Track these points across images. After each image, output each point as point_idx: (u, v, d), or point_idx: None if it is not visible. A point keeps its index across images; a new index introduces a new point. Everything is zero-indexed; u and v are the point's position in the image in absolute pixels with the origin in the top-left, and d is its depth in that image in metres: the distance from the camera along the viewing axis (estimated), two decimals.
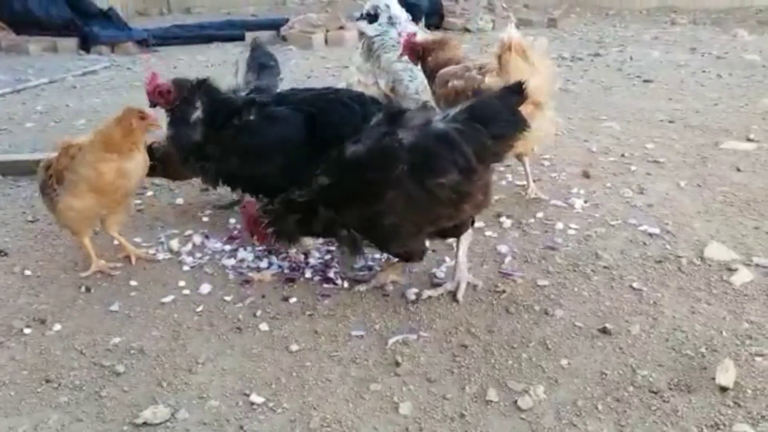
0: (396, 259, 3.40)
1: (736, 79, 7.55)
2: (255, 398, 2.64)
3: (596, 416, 2.48)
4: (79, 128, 6.26)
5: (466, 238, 3.34)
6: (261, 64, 4.51)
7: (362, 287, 3.37)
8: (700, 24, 12.01)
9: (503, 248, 3.70)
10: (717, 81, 7.48)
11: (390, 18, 5.39)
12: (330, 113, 3.64)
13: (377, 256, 3.62)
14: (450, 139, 2.96)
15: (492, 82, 3.90)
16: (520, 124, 3.04)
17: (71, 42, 11.53)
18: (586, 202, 4.27)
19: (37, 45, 11.52)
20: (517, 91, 3.05)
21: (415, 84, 5.03)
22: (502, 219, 4.05)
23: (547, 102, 4.04)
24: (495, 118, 3.01)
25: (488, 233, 3.90)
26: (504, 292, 3.29)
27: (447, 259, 3.61)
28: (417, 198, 2.99)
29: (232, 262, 3.68)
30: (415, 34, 4.69)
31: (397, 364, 2.80)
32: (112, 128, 3.46)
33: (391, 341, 2.95)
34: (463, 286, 3.29)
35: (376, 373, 2.77)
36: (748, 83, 7.34)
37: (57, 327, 3.17)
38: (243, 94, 4.14)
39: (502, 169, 4.84)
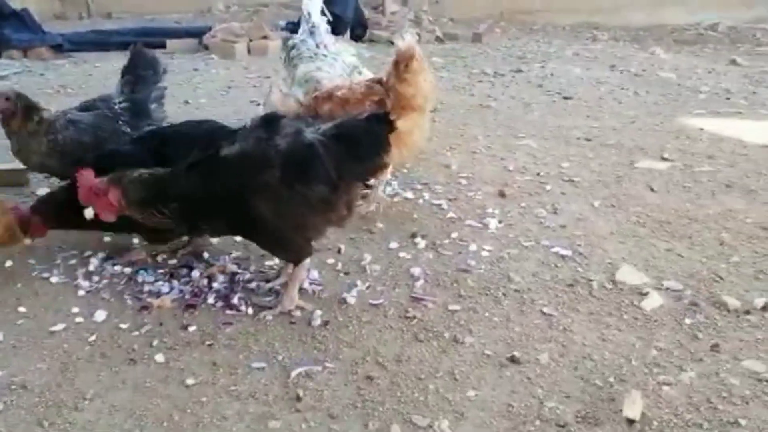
0: (290, 267, 3.40)
1: (652, 96, 7.68)
2: None
3: None
4: None
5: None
6: (138, 75, 4.36)
7: (268, 314, 3.24)
8: (620, 41, 12.24)
9: (416, 271, 3.61)
10: (634, 98, 7.60)
11: (312, 26, 5.21)
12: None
13: (281, 281, 3.47)
14: (315, 151, 3.03)
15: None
16: (381, 152, 3.15)
17: None
18: (500, 222, 4.22)
19: None
20: (385, 120, 3.16)
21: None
22: (417, 240, 3.96)
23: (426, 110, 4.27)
24: (360, 141, 3.12)
25: (402, 254, 3.81)
26: (415, 318, 3.19)
27: (358, 282, 3.50)
28: (287, 203, 3.05)
29: (131, 286, 3.48)
30: None
31: (299, 398, 2.67)
32: None
33: (293, 374, 2.81)
34: (281, 280, 3.48)
35: (276, 409, 2.63)
36: (664, 101, 7.47)
37: None
38: (117, 100, 4.25)
39: (419, 187, 4.77)
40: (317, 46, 5.11)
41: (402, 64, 4.06)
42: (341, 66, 4.94)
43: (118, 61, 10.46)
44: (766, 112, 7.01)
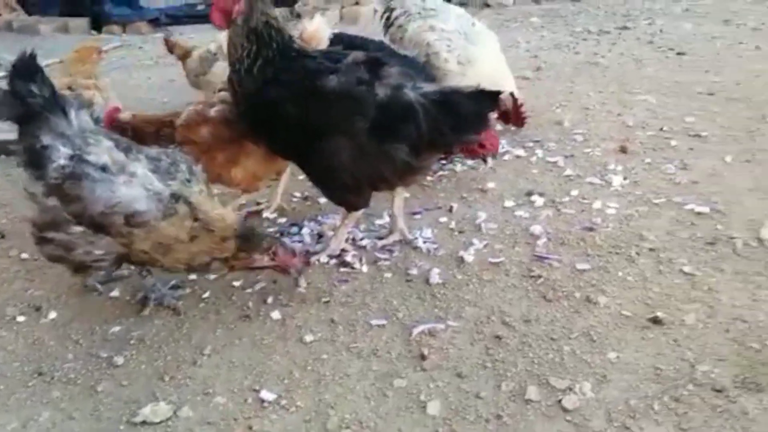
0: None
1: None
2: (266, 395, 2.37)
3: (653, 418, 2.18)
4: None
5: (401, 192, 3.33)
6: None
7: (319, 257, 3.20)
8: None
9: (536, 229, 3.38)
10: (756, 53, 7.03)
11: None
12: None
13: (394, 238, 3.33)
14: (413, 110, 2.86)
15: None
16: (481, 128, 3.05)
17: (82, 22, 11.27)
18: (625, 179, 3.92)
19: (48, 25, 11.25)
20: (493, 98, 2.95)
21: (454, 55, 4.57)
22: (534, 197, 3.73)
23: None
24: (461, 112, 2.90)
25: (519, 213, 3.58)
26: (540, 277, 2.98)
27: (475, 241, 3.31)
28: (368, 156, 2.92)
29: None
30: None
31: (423, 357, 2.51)
32: None
33: (415, 331, 2.66)
34: (394, 238, 3.33)
35: (400, 367, 2.48)
36: None
37: (52, 315, 2.93)
38: None
39: (530, 144, 4.51)
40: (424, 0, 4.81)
41: None
42: (455, 19, 4.64)
43: (212, 32, 10.59)
44: None
